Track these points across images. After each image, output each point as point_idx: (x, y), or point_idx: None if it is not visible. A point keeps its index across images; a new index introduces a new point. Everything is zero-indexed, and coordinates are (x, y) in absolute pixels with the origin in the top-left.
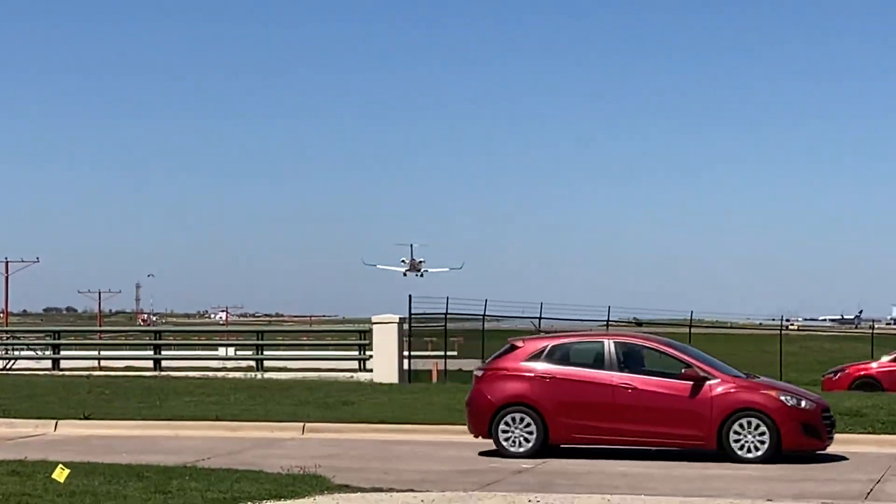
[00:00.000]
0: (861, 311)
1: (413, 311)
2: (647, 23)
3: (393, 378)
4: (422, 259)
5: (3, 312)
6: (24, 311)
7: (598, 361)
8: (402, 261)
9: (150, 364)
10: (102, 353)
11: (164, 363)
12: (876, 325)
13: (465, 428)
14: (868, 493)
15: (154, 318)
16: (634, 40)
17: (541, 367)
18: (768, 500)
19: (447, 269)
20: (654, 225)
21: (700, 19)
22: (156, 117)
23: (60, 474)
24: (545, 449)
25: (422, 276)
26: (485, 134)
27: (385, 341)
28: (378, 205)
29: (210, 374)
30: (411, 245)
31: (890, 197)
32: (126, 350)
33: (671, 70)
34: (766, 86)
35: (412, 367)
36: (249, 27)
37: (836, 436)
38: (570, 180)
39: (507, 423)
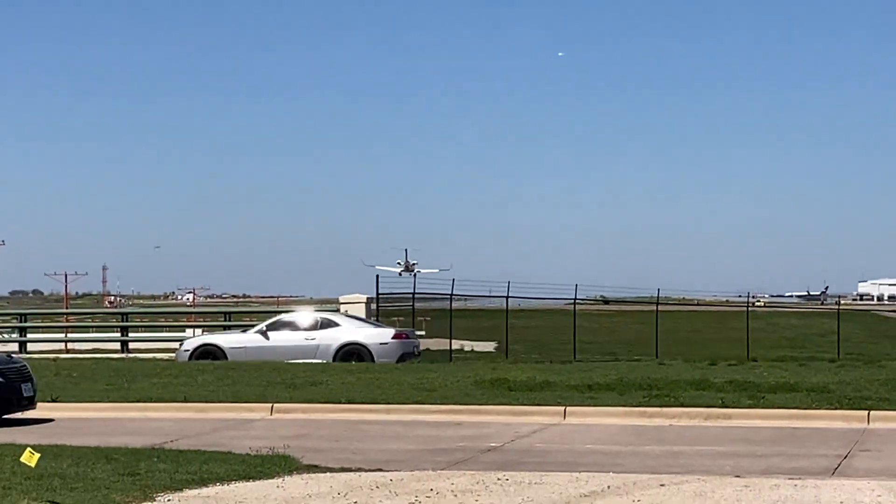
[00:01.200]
0: (827, 288)
1: (380, 291)
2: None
3: None
4: (415, 262)
5: None
6: None
7: None
8: (398, 262)
9: (117, 346)
10: (69, 335)
11: (131, 345)
12: (842, 301)
13: (435, 407)
14: (835, 469)
15: (121, 300)
16: (579, 14)
17: None
18: (736, 475)
19: (437, 270)
20: (621, 205)
21: None
22: (122, 98)
23: (30, 458)
24: None
25: (415, 276)
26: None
27: None
28: (338, 185)
29: None
30: (406, 250)
31: (853, 174)
32: (93, 332)
33: (635, 47)
34: (733, 60)
35: None
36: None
37: (804, 411)
38: (537, 164)
39: None
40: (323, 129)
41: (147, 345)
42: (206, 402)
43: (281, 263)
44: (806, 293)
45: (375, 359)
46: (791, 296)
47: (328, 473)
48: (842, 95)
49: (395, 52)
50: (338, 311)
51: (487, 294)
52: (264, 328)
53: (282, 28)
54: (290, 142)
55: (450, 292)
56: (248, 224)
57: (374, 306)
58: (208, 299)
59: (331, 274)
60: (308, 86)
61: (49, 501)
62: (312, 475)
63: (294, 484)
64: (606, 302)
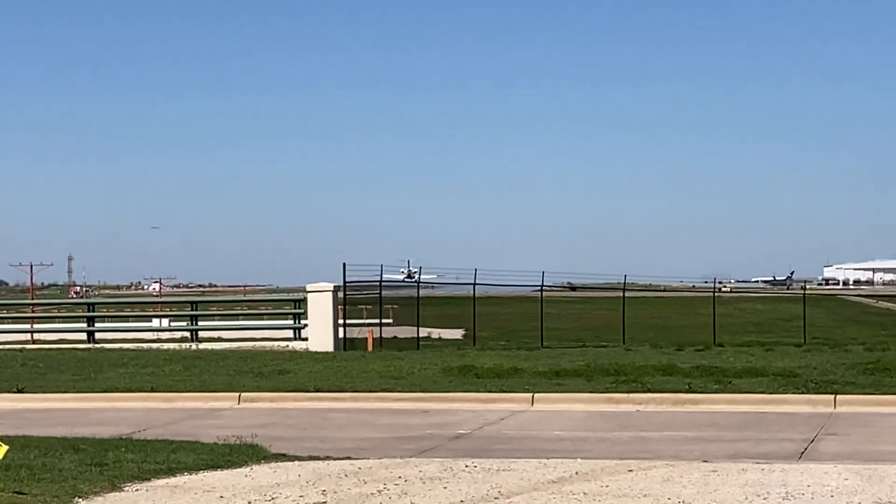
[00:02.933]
0: (793, 273)
1: (348, 280)
2: None
3: (328, 346)
4: (415, 269)
5: None
6: None
7: None
8: (402, 271)
9: (83, 336)
10: (35, 326)
11: (97, 335)
12: (808, 286)
13: (402, 395)
14: (802, 453)
15: (87, 291)
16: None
17: None
18: (704, 460)
19: (436, 276)
20: (588, 192)
21: None
22: (87, 89)
23: None
24: None
25: (416, 282)
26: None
27: (320, 310)
28: (307, 175)
29: (144, 345)
30: (408, 260)
31: (818, 161)
32: (59, 323)
33: (601, 38)
34: (698, 50)
35: (347, 336)
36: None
37: (771, 396)
38: (505, 153)
39: None
40: (291, 122)
41: (114, 335)
42: (174, 391)
43: (247, 252)
44: (772, 278)
45: None
46: (757, 281)
47: (296, 462)
48: (807, 86)
49: (366, 45)
50: (305, 300)
51: (454, 282)
52: None
53: (249, 26)
54: (257, 133)
55: (417, 280)
56: (213, 213)
57: (340, 295)
58: (175, 289)
59: (296, 263)
60: (277, 80)
61: (16, 492)
62: (281, 464)
63: (262, 473)
64: (573, 289)
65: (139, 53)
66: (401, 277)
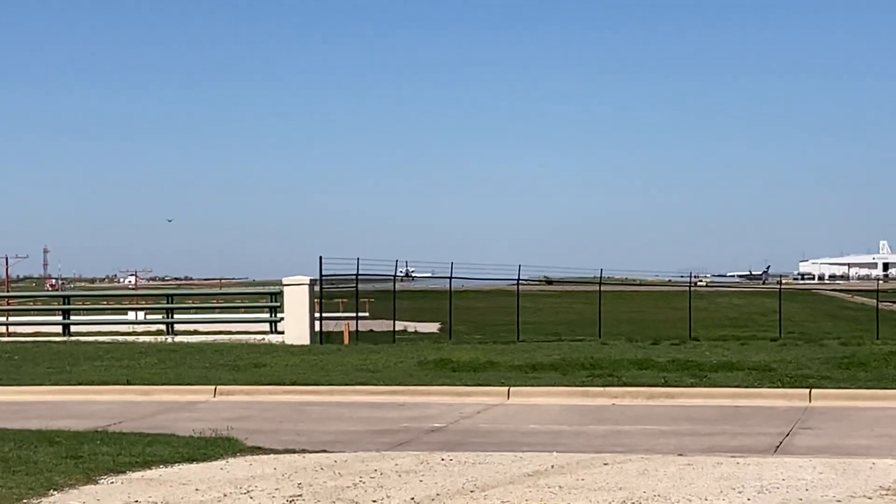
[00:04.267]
0: (769, 267)
1: (324, 273)
2: None
3: (304, 340)
4: (413, 269)
5: None
6: None
7: None
8: (400, 271)
9: (59, 329)
10: (10, 318)
11: (73, 328)
12: (783, 281)
13: (378, 388)
14: (777, 447)
15: (62, 283)
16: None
17: None
18: (679, 454)
19: (430, 274)
20: (564, 186)
21: None
22: (62, 82)
23: None
24: None
25: (412, 280)
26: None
27: (296, 303)
28: (283, 168)
29: (120, 338)
30: (406, 261)
31: (794, 155)
32: (34, 315)
33: (571, 30)
34: (671, 44)
35: (323, 329)
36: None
37: (746, 390)
38: (481, 146)
39: None
40: (268, 115)
41: (89, 328)
42: (150, 384)
43: (223, 246)
44: (748, 273)
45: None
46: (733, 275)
47: (272, 455)
48: (782, 81)
49: (341, 35)
50: (281, 293)
51: (430, 275)
52: None
53: (223, 14)
54: (233, 125)
55: (393, 274)
56: (189, 206)
57: (317, 288)
58: (151, 282)
59: (273, 256)
60: (254, 71)
61: None
62: (256, 457)
63: (238, 466)
64: (550, 282)
65: (111, 41)
66: (399, 277)
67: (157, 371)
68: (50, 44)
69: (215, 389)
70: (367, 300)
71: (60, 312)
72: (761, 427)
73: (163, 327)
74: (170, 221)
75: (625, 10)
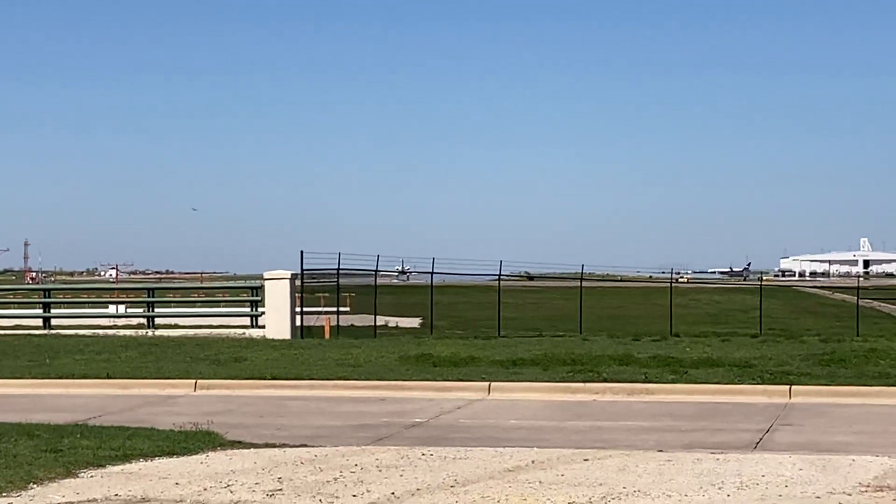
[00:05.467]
0: (749, 264)
1: (305, 267)
2: None
3: (285, 334)
4: (409, 267)
5: None
6: None
7: None
8: (396, 269)
9: (39, 322)
10: None
11: (53, 321)
12: (764, 277)
13: (359, 383)
14: (757, 443)
15: (43, 276)
16: None
17: None
18: (659, 450)
19: (412, 269)
20: (545, 182)
21: None
22: (39, 71)
23: None
24: None
25: (408, 278)
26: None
27: (277, 297)
28: (263, 161)
29: (100, 331)
30: (402, 259)
31: (775, 152)
32: (15, 308)
33: (556, 25)
34: (656, 38)
35: (304, 324)
36: None
37: (727, 386)
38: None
39: None
40: (248, 109)
41: (70, 321)
42: (130, 378)
43: (205, 240)
44: (729, 269)
45: None
46: (714, 272)
47: (252, 449)
48: (764, 78)
49: (323, 30)
50: (262, 287)
51: (413, 270)
52: None
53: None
54: (214, 119)
55: (374, 269)
56: (171, 200)
57: (298, 282)
58: (132, 275)
59: (254, 251)
60: (234, 63)
61: None
62: (237, 451)
63: (218, 460)
64: (531, 278)
65: (90, 35)
66: (395, 274)
67: (137, 365)
68: (27, 38)
69: (196, 383)
70: (348, 295)
71: (41, 306)
72: (741, 423)
73: (143, 321)
74: (195, 210)
75: (596, 5)
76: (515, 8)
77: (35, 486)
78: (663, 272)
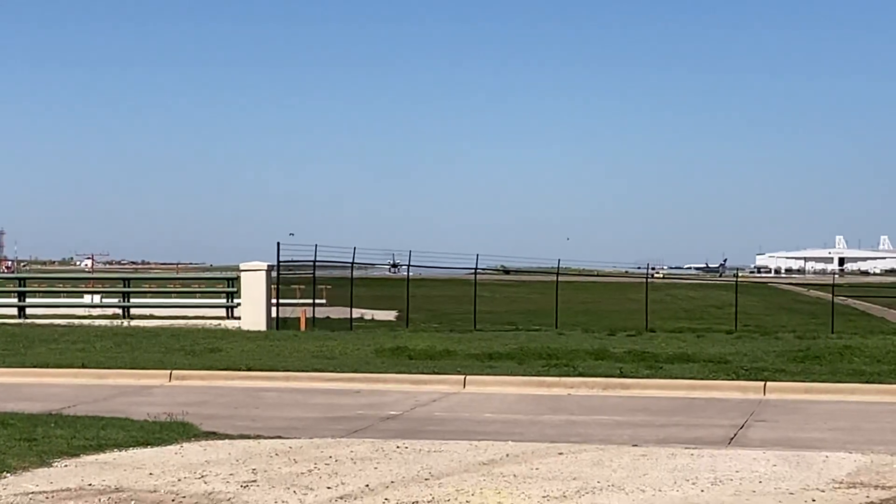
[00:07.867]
0: (725, 260)
1: (281, 259)
2: None
3: (261, 325)
4: (399, 261)
5: None
6: None
7: None
8: (389, 262)
9: (14, 311)
10: None
11: (28, 311)
12: (740, 274)
13: (334, 375)
14: (731, 439)
15: (18, 265)
16: None
17: None
18: (634, 444)
19: (391, 261)
20: (523, 176)
21: None
22: (18, 61)
23: None
24: None
25: (398, 271)
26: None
27: (253, 289)
28: (240, 152)
29: (76, 321)
30: (393, 253)
31: (752, 149)
32: None
33: (541, 21)
34: (627, 33)
35: (280, 315)
36: None
37: (702, 382)
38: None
39: None
40: (226, 97)
41: (45, 310)
42: (105, 368)
43: (181, 230)
44: (704, 265)
45: None
46: (690, 268)
47: (227, 440)
48: (741, 75)
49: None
50: (238, 278)
51: (402, 263)
52: None
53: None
54: (191, 108)
55: (350, 261)
56: (148, 190)
57: (274, 274)
58: (108, 265)
59: (231, 242)
60: (211, 51)
61: None
62: (211, 442)
63: (193, 450)
64: (507, 272)
65: (67, 20)
66: (386, 268)
67: (112, 355)
68: (4, 22)
69: (171, 374)
70: (324, 287)
71: (16, 295)
72: (716, 419)
73: (119, 311)
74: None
75: (578, 4)
76: (488, 5)
77: (8, 474)
78: (639, 267)
